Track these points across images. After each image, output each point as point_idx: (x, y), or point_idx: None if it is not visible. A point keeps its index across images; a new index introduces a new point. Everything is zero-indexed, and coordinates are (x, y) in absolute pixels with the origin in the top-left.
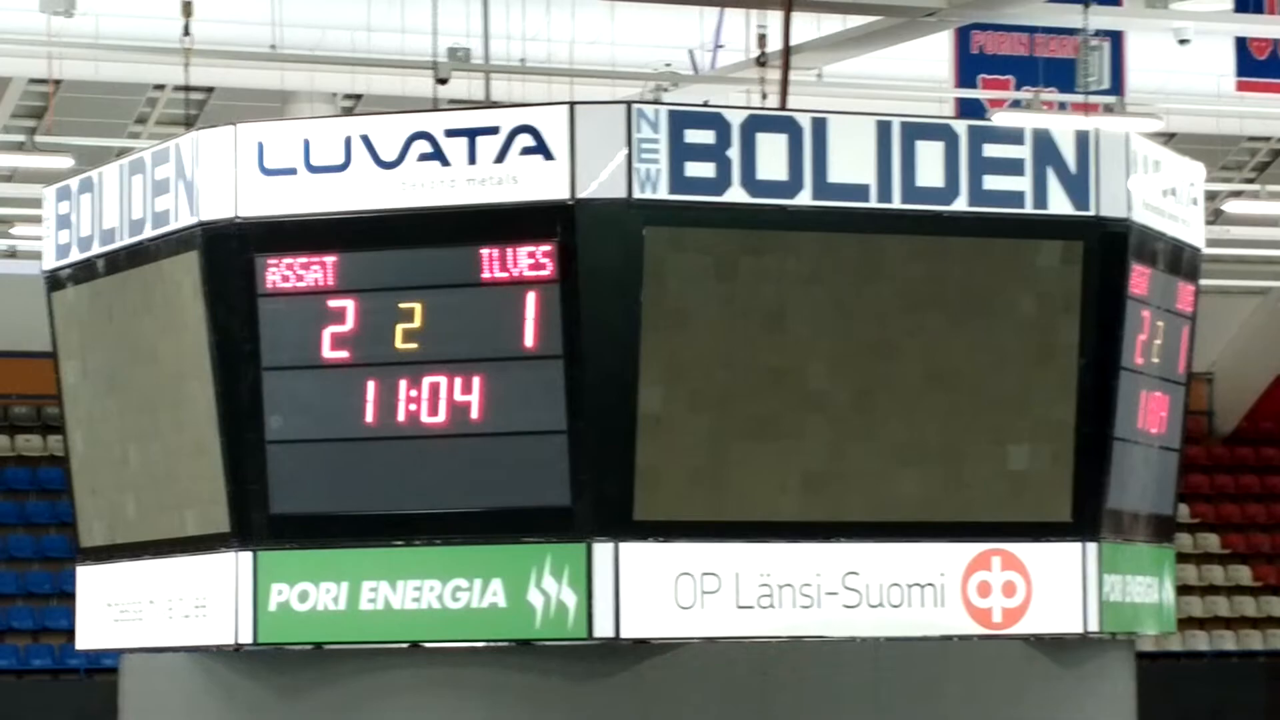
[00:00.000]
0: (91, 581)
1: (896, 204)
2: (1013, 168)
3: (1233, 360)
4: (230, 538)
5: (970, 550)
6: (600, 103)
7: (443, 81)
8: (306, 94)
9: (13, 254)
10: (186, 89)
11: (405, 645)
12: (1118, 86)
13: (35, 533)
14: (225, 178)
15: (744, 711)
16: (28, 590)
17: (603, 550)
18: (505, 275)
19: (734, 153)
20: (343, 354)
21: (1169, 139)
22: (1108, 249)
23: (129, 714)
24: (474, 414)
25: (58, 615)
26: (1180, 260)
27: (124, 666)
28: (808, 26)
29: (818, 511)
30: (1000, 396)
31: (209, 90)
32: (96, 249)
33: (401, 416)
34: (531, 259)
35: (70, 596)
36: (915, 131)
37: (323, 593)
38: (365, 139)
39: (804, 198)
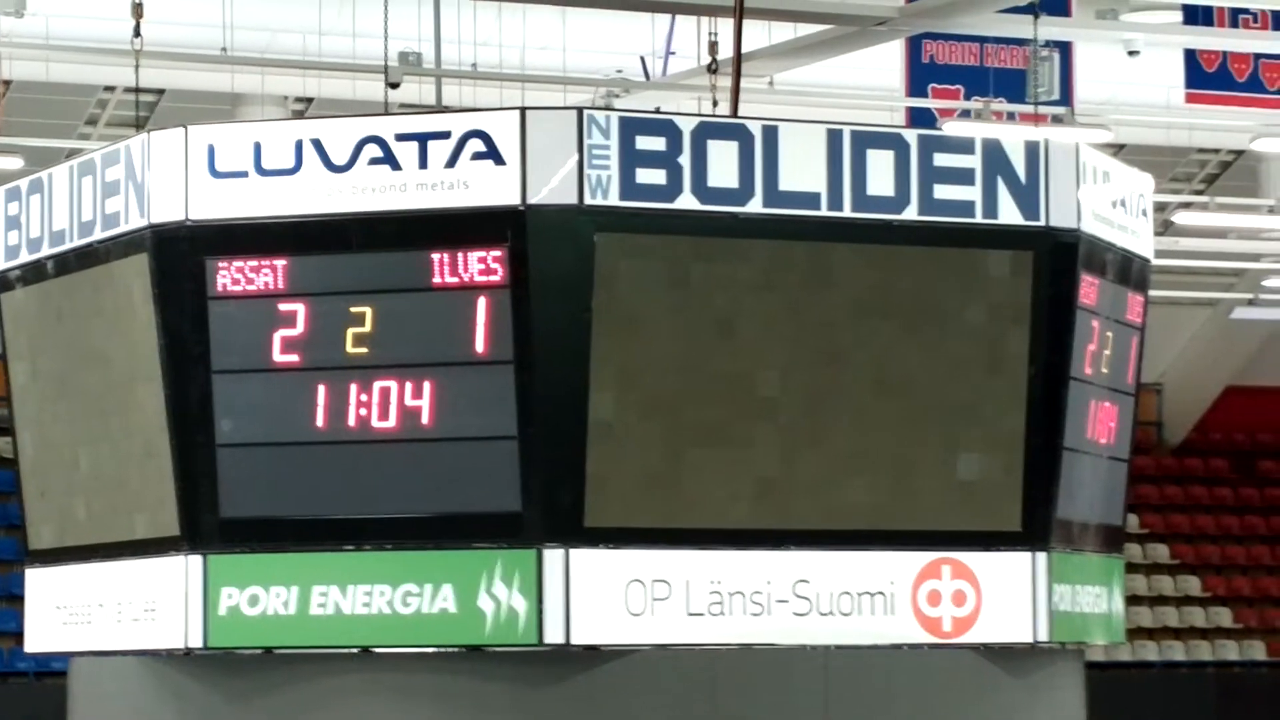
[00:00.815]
0: (40, 584)
1: (847, 212)
2: (963, 177)
3: (1182, 371)
4: (180, 541)
5: (920, 559)
6: (552, 108)
7: (394, 85)
8: (257, 97)
9: None
10: (137, 91)
11: (356, 650)
12: (1067, 97)
13: None
14: (176, 180)
15: (694, 719)
16: None
17: (553, 556)
18: (456, 280)
19: (685, 160)
20: (293, 358)
21: (1118, 150)
22: (1057, 259)
23: (78, 718)
24: (424, 419)
25: (6, 618)
26: (1130, 271)
27: (73, 670)
28: (759, 34)
29: (768, 519)
30: (950, 406)
31: (160, 92)
32: (46, 250)
33: (352, 421)
34: (482, 264)
35: (19, 599)
36: (866, 140)
37: (273, 597)
38: (316, 143)
39: (755, 205)
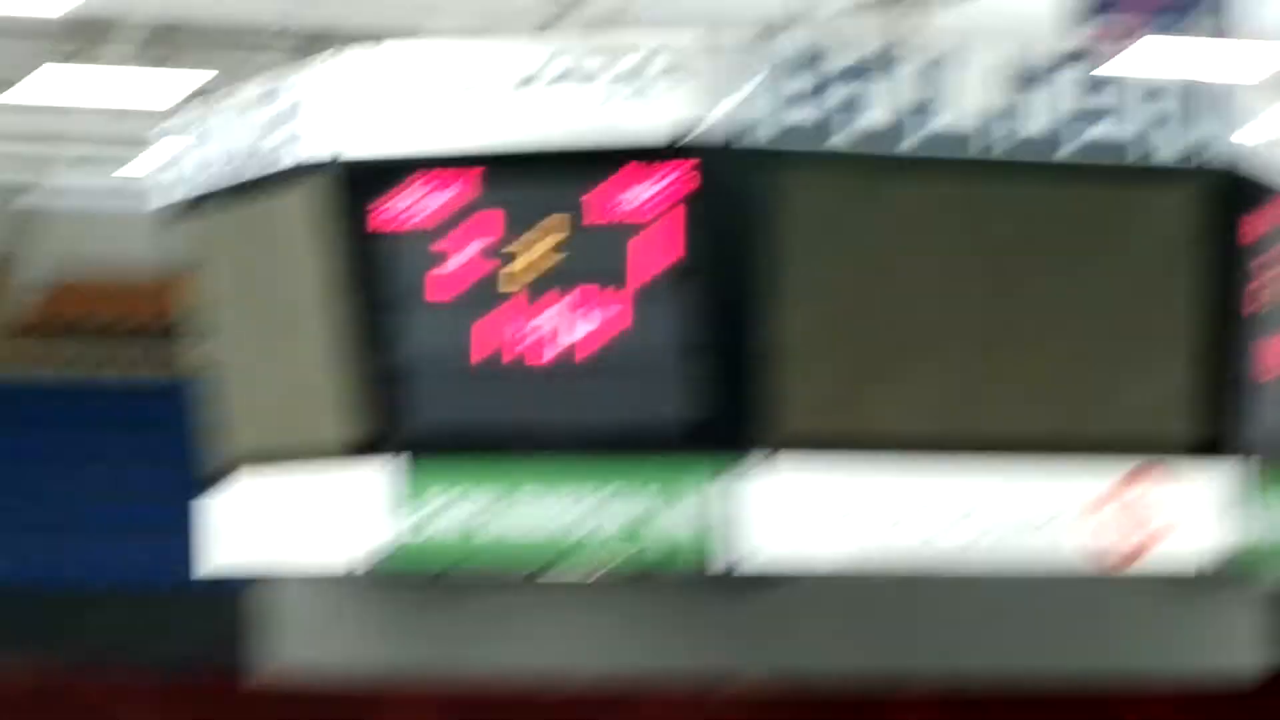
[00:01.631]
0: (224, 499)
1: (1022, 141)
2: (1126, 115)
3: None
4: (370, 451)
5: (1101, 482)
6: (737, 30)
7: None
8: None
9: (128, 189)
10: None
11: (535, 570)
12: (1235, 28)
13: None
14: (354, 107)
15: (866, 640)
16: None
17: (733, 478)
18: (646, 198)
19: (853, 92)
20: (481, 278)
21: None
22: (1228, 194)
23: (264, 632)
24: (614, 333)
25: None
26: None
27: (258, 584)
28: None
29: (948, 443)
30: (1127, 332)
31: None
32: (226, 178)
33: (535, 339)
34: (670, 185)
35: (196, 522)
36: (1030, 76)
37: (456, 513)
38: (502, 63)
39: (925, 136)
